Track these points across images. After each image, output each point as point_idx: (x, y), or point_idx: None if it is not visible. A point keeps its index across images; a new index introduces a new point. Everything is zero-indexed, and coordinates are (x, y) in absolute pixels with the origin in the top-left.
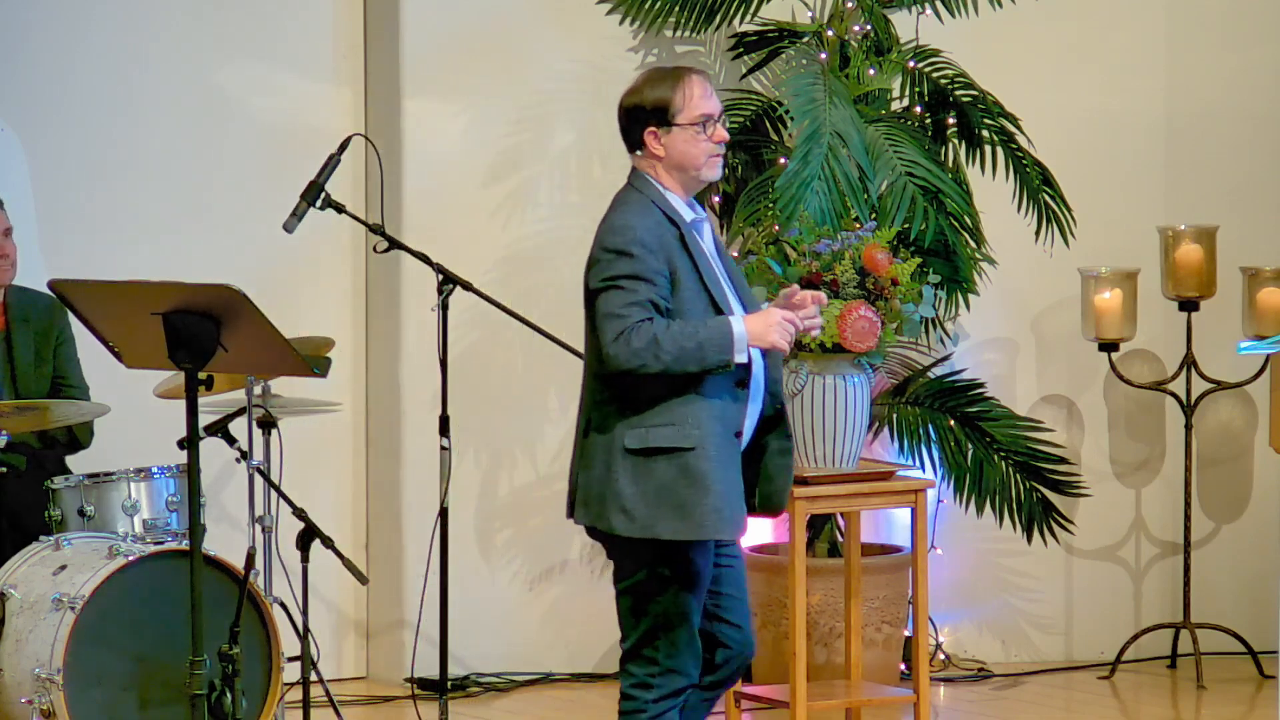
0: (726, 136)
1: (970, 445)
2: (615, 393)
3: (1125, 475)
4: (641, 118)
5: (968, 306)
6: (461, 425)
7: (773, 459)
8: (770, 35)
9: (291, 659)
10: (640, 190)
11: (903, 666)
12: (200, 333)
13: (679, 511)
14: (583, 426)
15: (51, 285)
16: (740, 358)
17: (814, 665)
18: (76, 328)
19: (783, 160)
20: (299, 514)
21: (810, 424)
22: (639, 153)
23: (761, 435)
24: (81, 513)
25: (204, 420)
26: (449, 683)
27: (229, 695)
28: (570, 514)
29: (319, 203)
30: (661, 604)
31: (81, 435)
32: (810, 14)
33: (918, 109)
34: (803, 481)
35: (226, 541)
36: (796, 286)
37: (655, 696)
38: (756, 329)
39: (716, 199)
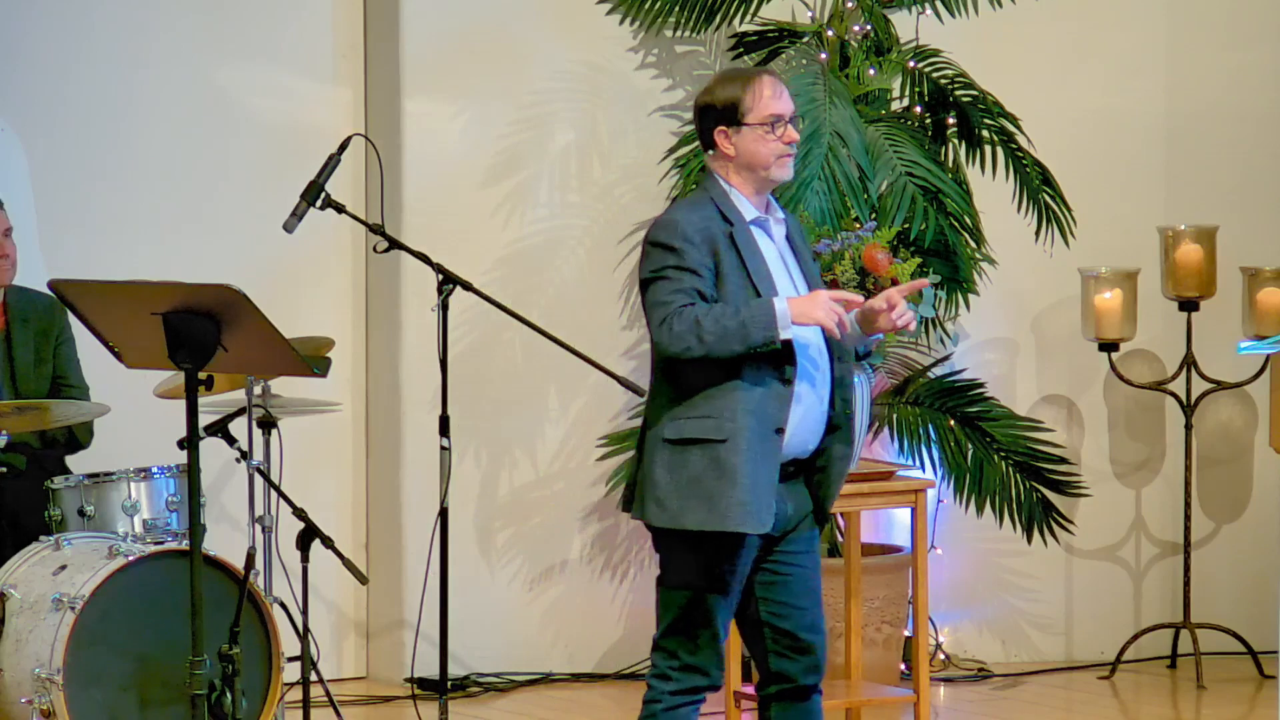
0: (796, 137)
1: (970, 445)
2: (664, 386)
3: (1125, 475)
4: (712, 117)
5: (968, 306)
6: (461, 425)
7: (833, 465)
8: (770, 35)
9: (291, 659)
10: (705, 189)
11: (903, 666)
12: (200, 333)
13: (707, 503)
14: (642, 421)
15: (51, 285)
16: (785, 334)
17: None
18: (76, 328)
19: None
20: (299, 514)
21: None
22: (711, 152)
23: (826, 441)
24: (81, 513)
25: (204, 420)
26: (449, 683)
27: (229, 695)
28: (624, 507)
29: (319, 203)
30: (685, 599)
31: (81, 435)
32: (810, 14)
33: (918, 109)
34: None
35: (226, 541)
36: (895, 294)
37: (672, 689)
38: (801, 306)
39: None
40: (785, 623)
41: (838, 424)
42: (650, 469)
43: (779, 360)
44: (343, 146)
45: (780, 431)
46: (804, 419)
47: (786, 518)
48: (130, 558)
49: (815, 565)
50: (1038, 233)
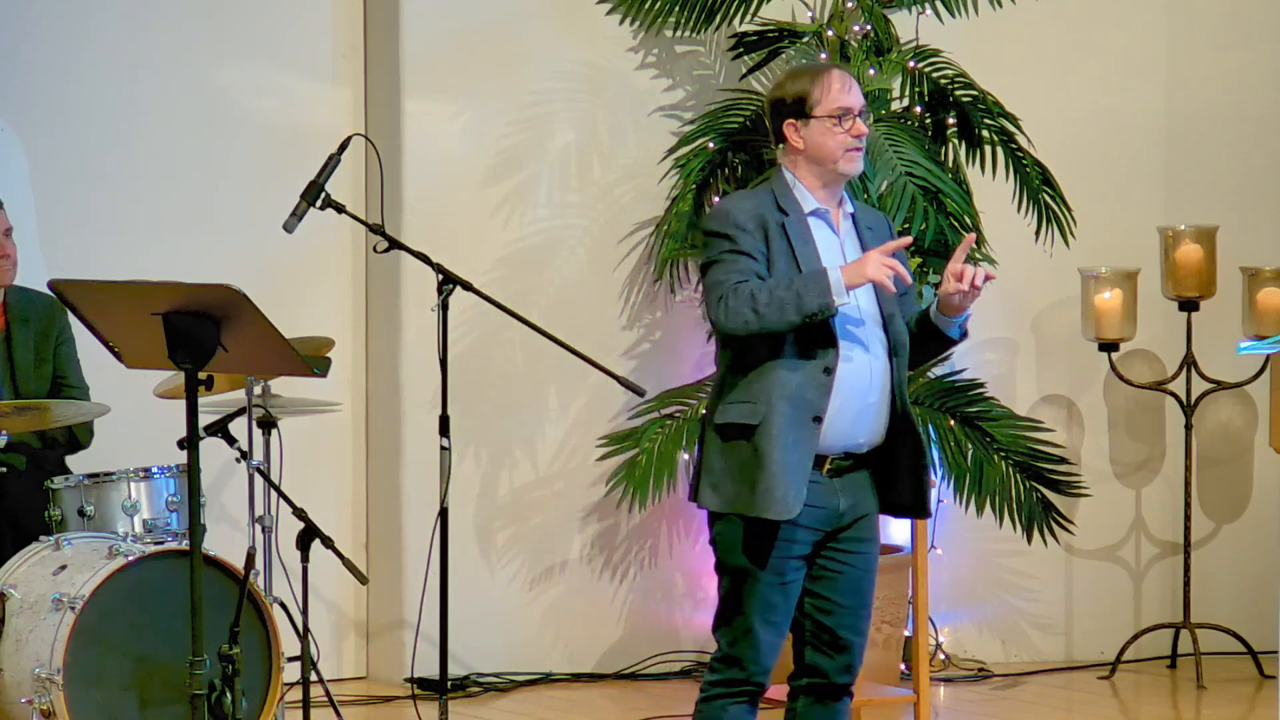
0: (865, 130)
1: (970, 445)
2: (719, 373)
3: (1125, 475)
4: (781, 111)
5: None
6: (461, 425)
7: (905, 465)
8: (770, 35)
9: (291, 659)
10: (769, 180)
11: (903, 666)
12: (200, 333)
13: (740, 488)
14: (704, 409)
15: (51, 285)
16: (840, 300)
17: None
18: (76, 328)
19: None
20: (299, 514)
21: None
22: (781, 146)
23: (896, 436)
24: (81, 513)
25: (204, 420)
26: (449, 683)
27: (229, 695)
28: (690, 496)
29: (319, 203)
30: (725, 586)
31: (81, 435)
32: (810, 14)
33: (918, 109)
34: None
35: (226, 541)
36: (957, 267)
37: (712, 679)
38: (852, 268)
39: (717, 200)
40: (826, 618)
41: (902, 420)
42: (706, 454)
43: (821, 348)
44: (343, 146)
45: (818, 420)
46: (842, 409)
47: (838, 514)
48: (130, 558)
49: (867, 567)
50: (1038, 233)
